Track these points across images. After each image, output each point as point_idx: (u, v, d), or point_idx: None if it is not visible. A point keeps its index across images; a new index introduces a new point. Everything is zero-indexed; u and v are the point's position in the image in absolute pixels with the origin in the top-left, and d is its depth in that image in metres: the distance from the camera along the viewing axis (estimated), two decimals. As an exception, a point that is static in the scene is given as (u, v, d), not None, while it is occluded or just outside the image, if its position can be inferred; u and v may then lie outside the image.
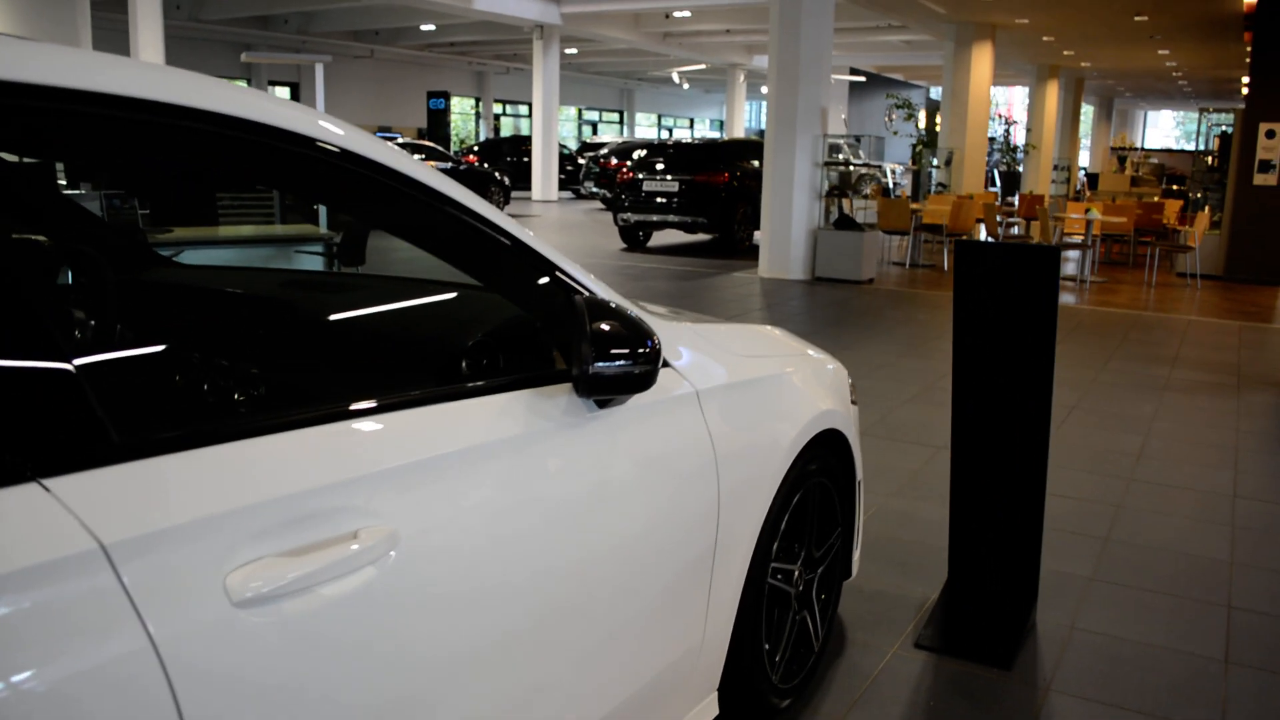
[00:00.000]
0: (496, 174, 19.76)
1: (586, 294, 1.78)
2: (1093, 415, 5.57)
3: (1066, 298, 10.12)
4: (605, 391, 1.67)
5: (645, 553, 1.82)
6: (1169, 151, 29.68)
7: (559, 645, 1.62)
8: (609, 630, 1.75)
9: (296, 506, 1.24)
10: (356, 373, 1.69)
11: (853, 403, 2.86)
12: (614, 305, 1.72)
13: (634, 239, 14.49)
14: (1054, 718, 2.57)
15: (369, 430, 1.38)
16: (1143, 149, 32.54)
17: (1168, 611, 3.19)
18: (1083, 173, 24.87)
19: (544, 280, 1.78)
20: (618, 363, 1.64)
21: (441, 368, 1.80)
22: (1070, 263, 12.73)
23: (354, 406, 1.39)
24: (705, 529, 2.01)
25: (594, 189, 23.05)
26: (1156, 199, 14.42)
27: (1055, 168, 23.21)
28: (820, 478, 2.57)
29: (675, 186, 13.66)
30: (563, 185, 25.69)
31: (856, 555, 2.94)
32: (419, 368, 1.82)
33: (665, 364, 1.99)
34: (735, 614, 2.20)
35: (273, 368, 1.59)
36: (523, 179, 24.50)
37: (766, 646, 2.42)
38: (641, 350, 1.68)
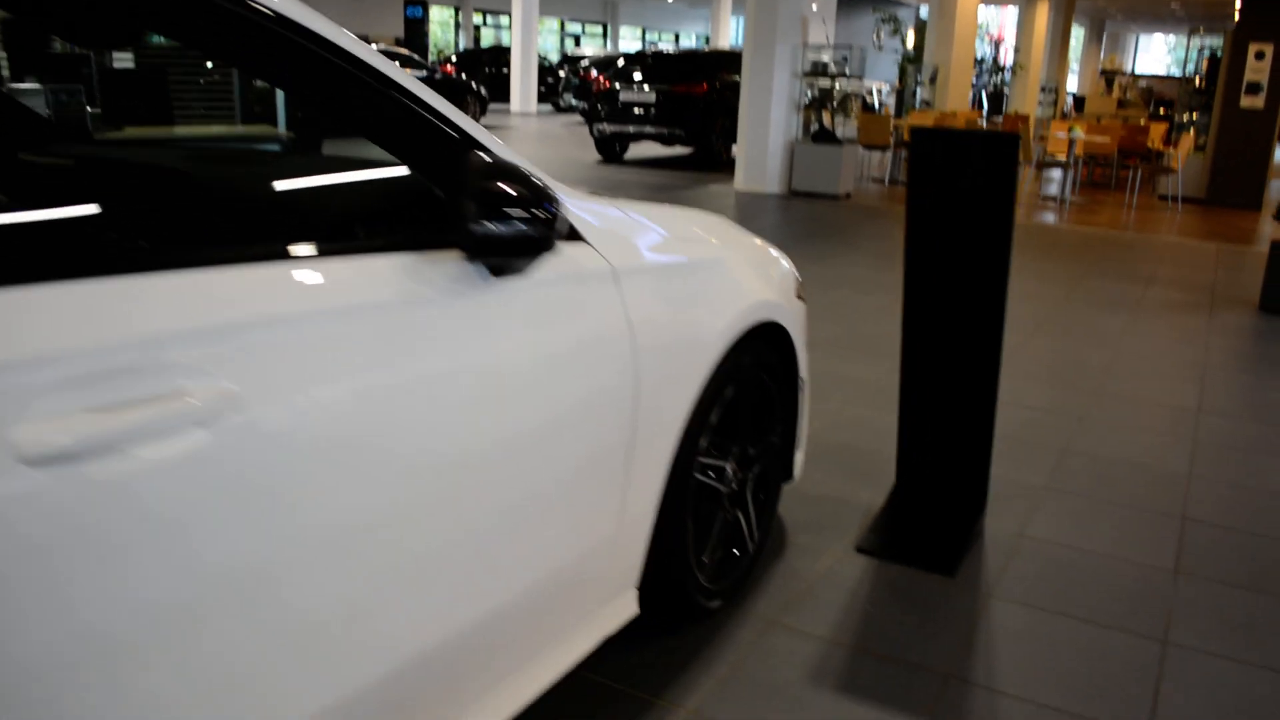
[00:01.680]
0: (473, 85, 19.25)
1: (482, 153, 1.61)
2: (1061, 330, 5.46)
3: (1045, 217, 9.96)
4: (496, 254, 1.50)
5: (547, 439, 1.67)
6: (1159, 77, 29.24)
7: (439, 529, 1.49)
8: (502, 518, 1.61)
9: (112, 357, 1.08)
10: (202, 225, 1.51)
11: (799, 298, 2.71)
12: (512, 164, 1.55)
13: (610, 151, 14.17)
14: (994, 624, 2.48)
15: (208, 281, 1.22)
16: (1133, 73, 32.05)
17: (1120, 522, 3.10)
18: (1070, 95, 24.49)
19: (437, 138, 1.59)
20: (511, 223, 1.48)
21: (310, 227, 1.63)
22: (1051, 183, 12.54)
23: (190, 255, 1.23)
24: (620, 418, 1.86)
25: (574, 102, 22.56)
26: (1143, 122, 14.17)
27: (1042, 90, 22.83)
28: (757, 372, 2.43)
29: (652, 97, 13.30)
30: (542, 98, 25.14)
31: (799, 457, 2.82)
32: (280, 225, 1.64)
33: (578, 238, 1.83)
34: (656, 510, 2.08)
35: (108, 212, 1.41)
36: (501, 91, 23.93)
37: (694, 547, 2.30)
38: (539, 211, 1.51)
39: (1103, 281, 6.83)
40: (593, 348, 1.77)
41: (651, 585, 2.18)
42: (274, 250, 1.32)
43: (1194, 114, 15.60)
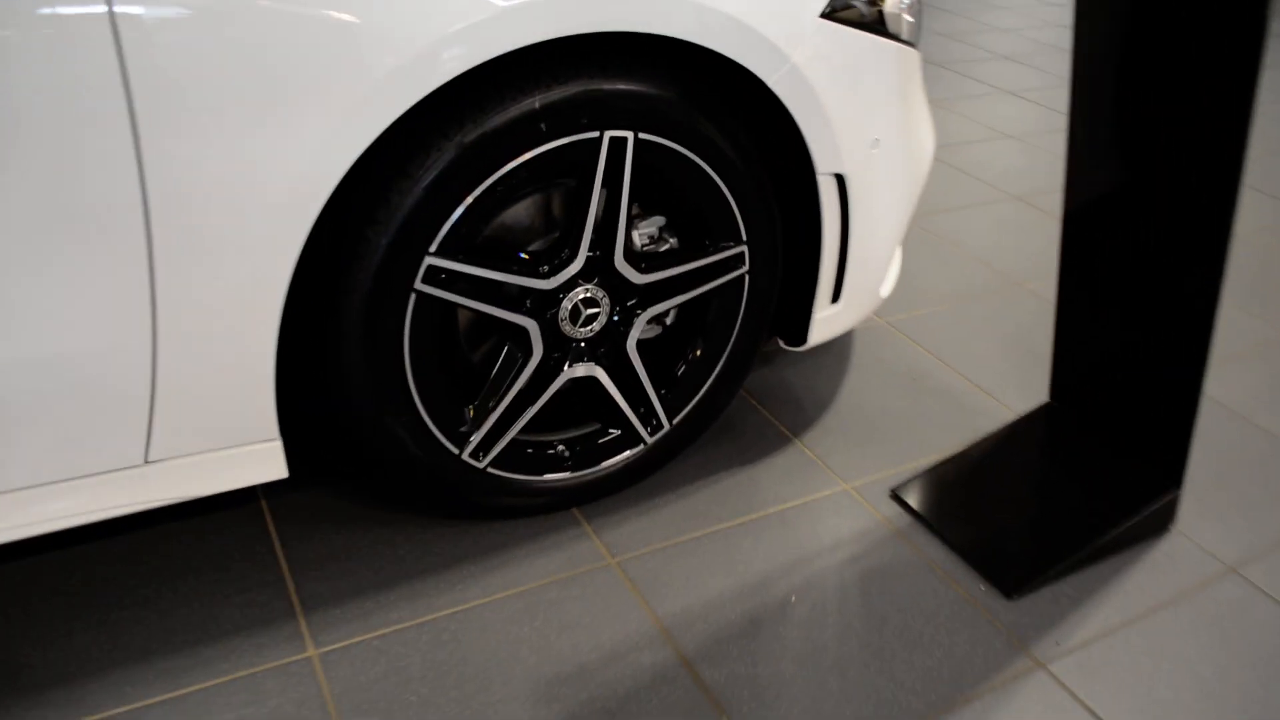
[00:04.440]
0: None
1: None
2: None
3: None
4: None
5: None
6: None
7: None
8: None
9: None
10: None
11: (857, 23, 1.44)
12: None
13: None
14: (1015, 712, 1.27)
15: None
16: None
17: None
18: None
19: None
20: None
21: None
22: None
23: None
24: (86, 182, 0.98)
25: None
26: None
27: None
28: (629, 128, 1.30)
29: None
30: None
31: (829, 311, 1.63)
32: None
33: None
34: (275, 330, 1.18)
35: None
36: None
37: (457, 407, 1.36)
38: None
39: None
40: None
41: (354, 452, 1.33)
42: None
43: None
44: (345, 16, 1.04)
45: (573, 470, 1.50)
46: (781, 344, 1.69)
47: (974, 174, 2.92)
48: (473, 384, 1.42)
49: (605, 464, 1.52)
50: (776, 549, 1.50)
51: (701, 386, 1.55)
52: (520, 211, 1.35)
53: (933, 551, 1.52)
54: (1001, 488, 1.63)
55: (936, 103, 3.46)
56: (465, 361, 1.44)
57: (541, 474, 1.48)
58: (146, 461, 1.22)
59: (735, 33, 1.27)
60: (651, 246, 1.46)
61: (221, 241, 1.09)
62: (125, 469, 1.22)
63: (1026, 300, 2.26)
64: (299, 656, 1.29)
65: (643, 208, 1.46)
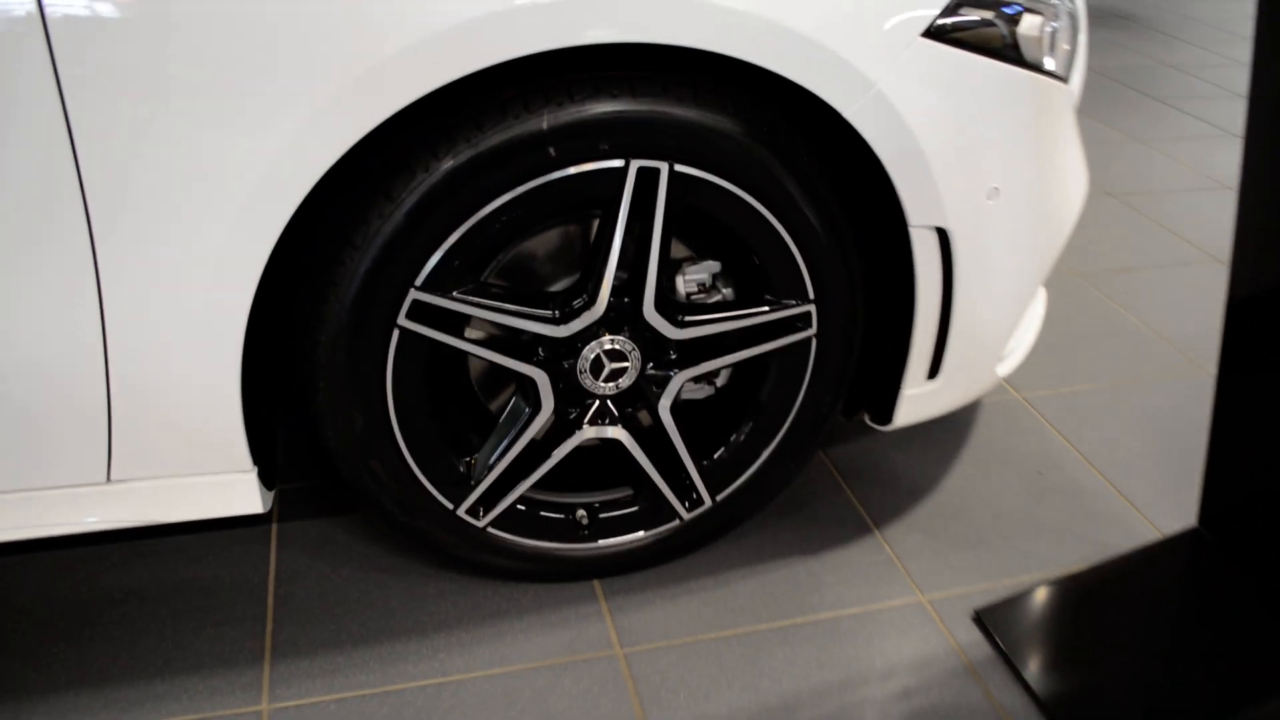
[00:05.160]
0: None
1: None
2: None
3: None
4: None
5: None
6: None
7: None
8: None
9: None
10: None
11: (952, 39, 1.18)
12: None
13: None
14: None
15: None
16: None
17: None
18: None
19: None
20: None
21: None
22: None
23: None
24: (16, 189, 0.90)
25: None
26: None
27: None
28: (662, 158, 1.10)
29: None
30: None
31: (919, 389, 1.37)
32: None
33: None
34: (238, 357, 1.06)
35: None
36: None
37: (442, 452, 1.21)
38: None
39: None
40: None
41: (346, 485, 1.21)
42: None
43: None
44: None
45: (591, 540, 1.32)
46: (868, 420, 1.45)
47: (1171, 227, 2.52)
48: (486, 434, 1.26)
49: (630, 537, 1.33)
50: (815, 665, 1.27)
51: (753, 462, 1.34)
52: (541, 246, 1.18)
53: (1008, 698, 1.24)
54: (1114, 629, 1.32)
55: (1145, 142, 3.04)
56: (480, 408, 1.28)
57: (553, 540, 1.30)
58: (109, 481, 1.14)
59: (794, 48, 1.05)
60: (702, 296, 1.26)
61: (169, 248, 0.97)
62: (87, 486, 1.14)
63: (1205, 388, 1.89)
64: (249, 709, 1.18)
65: (695, 250, 1.26)
